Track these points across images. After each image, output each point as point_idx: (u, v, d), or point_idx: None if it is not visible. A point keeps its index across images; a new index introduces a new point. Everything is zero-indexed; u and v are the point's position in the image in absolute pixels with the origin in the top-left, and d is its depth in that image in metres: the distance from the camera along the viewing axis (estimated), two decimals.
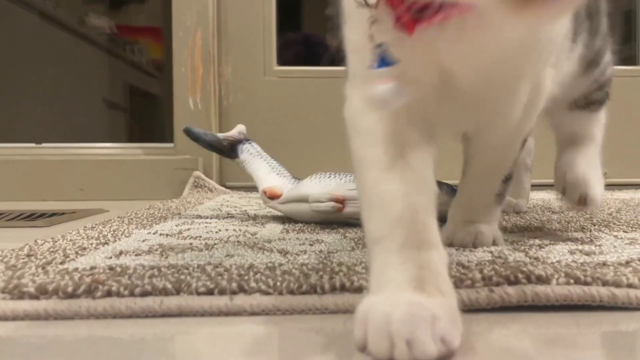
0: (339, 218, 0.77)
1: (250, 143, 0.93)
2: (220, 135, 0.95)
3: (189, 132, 0.94)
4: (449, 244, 0.60)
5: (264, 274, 0.48)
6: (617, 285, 0.44)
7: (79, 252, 0.60)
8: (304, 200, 0.79)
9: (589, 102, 0.73)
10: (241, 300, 0.43)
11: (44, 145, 1.61)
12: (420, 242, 0.38)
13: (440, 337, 0.33)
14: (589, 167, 0.71)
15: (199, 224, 0.84)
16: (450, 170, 0.70)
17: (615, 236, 0.67)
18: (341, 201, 0.77)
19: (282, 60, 1.62)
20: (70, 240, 0.68)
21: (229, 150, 0.93)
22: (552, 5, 0.30)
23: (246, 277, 0.47)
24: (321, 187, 0.79)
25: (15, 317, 0.43)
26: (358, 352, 0.36)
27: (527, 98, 0.50)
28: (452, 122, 0.51)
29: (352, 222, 0.76)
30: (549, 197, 1.25)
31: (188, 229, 0.77)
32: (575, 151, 0.73)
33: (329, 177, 0.81)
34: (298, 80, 1.59)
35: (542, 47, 0.47)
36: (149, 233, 0.74)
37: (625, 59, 1.77)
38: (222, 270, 0.49)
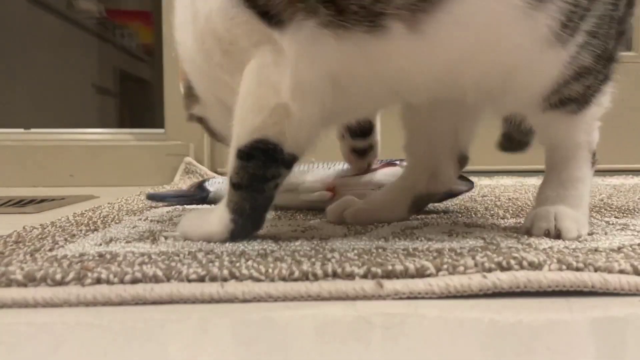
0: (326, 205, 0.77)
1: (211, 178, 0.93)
2: (183, 187, 0.95)
3: (153, 197, 0.91)
4: None
5: (255, 261, 0.47)
6: (609, 271, 0.44)
7: (68, 238, 0.59)
8: (293, 189, 0.79)
9: (563, 98, 0.57)
10: (232, 287, 0.43)
11: (32, 130, 1.59)
12: None
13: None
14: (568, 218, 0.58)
15: (191, 210, 0.83)
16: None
17: (607, 222, 0.67)
18: (332, 189, 0.76)
19: None
20: (60, 226, 0.67)
21: (200, 192, 0.91)
22: None
23: (237, 264, 0.46)
24: (310, 176, 0.79)
25: (2, 305, 0.42)
26: (351, 339, 0.36)
27: None
28: None
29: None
30: (540, 183, 1.25)
31: (179, 216, 0.76)
32: (555, 192, 0.61)
33: (317, 166, 0.81)
34: None
35: None
36: (140, 219, 0.73)
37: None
38: (214, 257, 0.49)
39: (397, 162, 0.78)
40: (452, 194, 0.78)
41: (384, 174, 0.76)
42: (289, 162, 0.54)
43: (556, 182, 0.62)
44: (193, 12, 0.55)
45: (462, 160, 0.71)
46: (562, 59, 0.54)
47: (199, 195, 0.91)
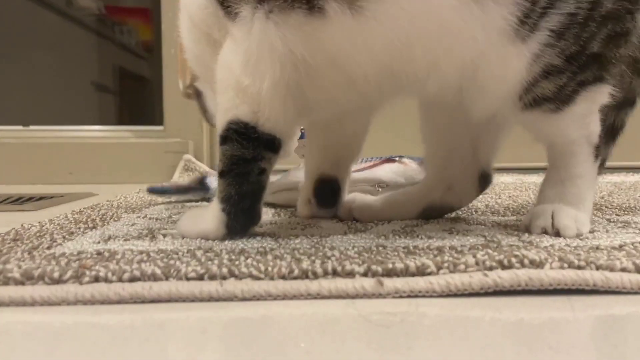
0: None
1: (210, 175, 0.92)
2: (184, 182, 0.94)
3: (153, 191, 0.91)
4: None
5: (255, 259, 0.47)
6: (611, 269, 0.44)
7: (67, 236, 0.59)
8: (293, 188, 0.79)
9: (537, 97, 0.55)
10: (232, 286, 0.43)
11: (31, 127, 1.59)
12: None
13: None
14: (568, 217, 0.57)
15: (190, 207, 0.83)
16: None
17: (608, 220, 0.67)
18: None
19: None
20: (58, 224, 0.67)
21: (200, 187, 0.91)
22: None
23: (237, 262, 0.46)
24: None
25: (0, 304, 0.42)
26: (351, 338, 0.36)
27: None
28: None
29: None
30: (541, 180, 1.25)
31: (178, 213, 0.76)
32: (554, 190, 0.60)
33: None
34: None
35: None
36: (139, 217, 0.73)
37: None
38: (213, 255, 0.49)
39: (397, 159, 0.77)
40: None
41: (383, 171, 0.75)
42: (269, 142, 0.54)
43: (556, 179, 0.60)
44: (183, 3, 0.60)
45: (484, 178, 0.68)
46: (524, 56, 0.52)
47: (200, 191, 0.91)
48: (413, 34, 0.51)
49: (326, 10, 0.50)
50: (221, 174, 0.55)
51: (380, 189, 0.74)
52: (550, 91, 0.55)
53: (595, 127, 0.59)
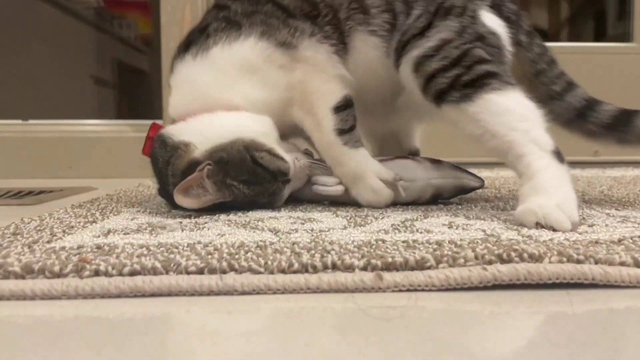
0: (341, 198, 0.76)
1: None
2: None
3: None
4: None
5: (255, 253, 0.47)
6: (610, 263, 0.44)
7: (67, 230, 0.59)
8: (306, 182, 0.78)
9: (436, 89, 0.67)
10: (232, 280, 0.43)
11: (30, 121, 1.59)
12: None
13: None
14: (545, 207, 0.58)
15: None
16: None
17: (608, 214, 0.67)
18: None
19: None
20: (58, 218, 0.67)
21: None
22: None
23: (237, 256, 0.46)
24: (324, 168, 0.78)
25: (0, 297, 0.42)
26: (351, 332, 0.36)
27: None
28: None
29: (351, 202, 0.76)
30: None
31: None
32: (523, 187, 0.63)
33: None
34: None
35: None
36: (138, 211, 0.73)
37: (619, 36, 1.76)
38: (212, 249, 0.49)
39: (409, 155, 0.78)
40: (464, 190, 0.77)
41: (396, 165, 0.75)
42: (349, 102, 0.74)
43: (522, 178, 0.64)
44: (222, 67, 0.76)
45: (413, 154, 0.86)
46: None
47: None
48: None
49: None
50: (347, 131, 0.72)
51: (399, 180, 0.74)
52: (449, 79, 0.68)
53: (523, 126, 0.65)
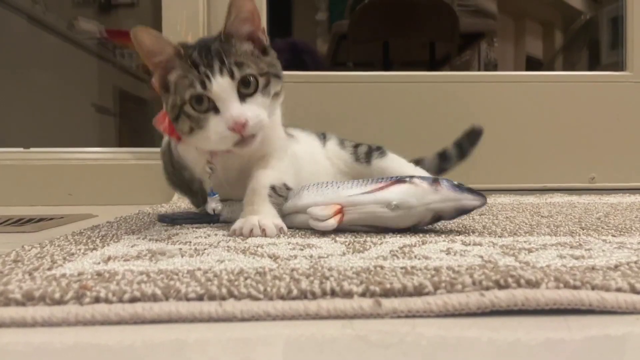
0: (340, 227, 0.76)
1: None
2: (198, 209, 0.95)
3: (163, 219, 0.92)
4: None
5: (254, 279, 0.47)
6: (606, 289, 0.44)
7: (67, 257, 0.59)
8: (302, 211, 0.79)
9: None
10: (231, 306, 0.43)
11: (32, 149, 1.60)
12: None
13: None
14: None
15: (189, 228, 0.84)
16: None
17: (604, 240, 0.67)
18: (340, 210, 0.76)
19: None
20: (58, 245, 0.67)
21: (211, 214, 0.91)
22: (247, 146, 0.78)
23: (236, 283, 0.46)
24: (319, 196, 0.78)
25: (1, 324, 0.42)
26: (350, 358, 0.36)
27: None
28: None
29: (352, 229, 0.76)
30: (538, 201, 1.26)
31: (177, 234, 0.76)
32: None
33: (325, 185, 0.80)
34: (288, 85, 1.59)
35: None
36: (138, 238, 0.73)
37: (613, 64, 1.79)
38: (212, 275, 0.49)
39: (407, 179, 0.76)
40: (465, 211, 0.76)
41: (393, 192, 0.75)
42: None
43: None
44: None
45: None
46: None
47: (210, 217, 0.91)
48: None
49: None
50: None
51: (391, 210, 0.74)
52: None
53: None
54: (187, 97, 0.77)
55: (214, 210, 0.87)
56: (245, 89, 0.77)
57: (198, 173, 0.89)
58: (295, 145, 1.00)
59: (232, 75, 0.76)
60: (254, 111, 0.77)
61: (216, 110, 0.77)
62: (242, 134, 0.76)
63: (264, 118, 0.78)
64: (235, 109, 0.76)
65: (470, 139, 1.24)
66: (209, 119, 0.77)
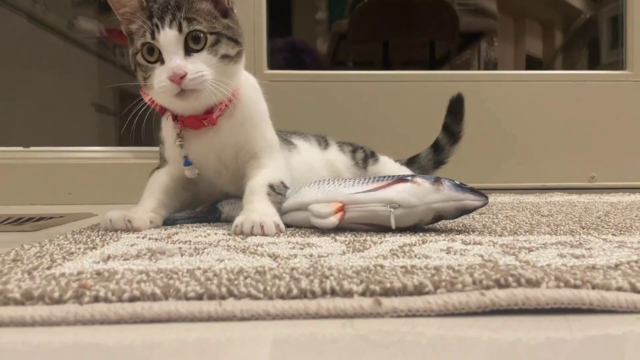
0: (340, 225, 0.76)
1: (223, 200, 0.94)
2: (197, 209, 0.95)
3: (165, 221, 0.91)
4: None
5: (253, 279, 0.47)
6: (607, 288, 0.44)
7: (67, 256, 0.59)
8: (304, 209, 0.79)
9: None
10: (230, 305, 0.43)
11: (32, 148, 1.60)
12: None
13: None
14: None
15: (188, 227, 0.84)
16: None
17: (605, 239, 0.67)
18: (341, 208, 0.75)
19: (272, 64, 1.62)
20: (58, 244, 0.67)
21: (212, 213, 0.92)
22: (186, 99, 0.81)
23: (236, 282, 0.46)
24: (321, 193, 0.78)
25: (0, 324, 0.42)
26: (349, 358, 0.36)
27: None
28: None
29: (353, 227, 0.76)
30: (538, 200, 1.26)
31: (177, 233, 0.76)
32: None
33: (327, 183, 0.80)
34: (288, 84, 1.59)
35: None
36: (138, 237, 0.73)
37: (613, 64, 1.79)
38: (212, 274, 0.49)
39: (409, 178, 0.75)
40: (466, 211, 0.76)
41: (395, 191, 0.74)
42: None
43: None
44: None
45: None
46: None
47: (211, 217, 0.91)
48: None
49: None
50: None
51: (392, 210, 0.73)
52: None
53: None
54: (139, 45, 0.81)
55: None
56: (195, 44, 0.80)
57: (170, 148, 0.91)
58: (296, 155, 1.02)
59: (180, 29, 0.79)
60: (197, 66, 0.79)
61: (163, 62, 0.80)
62: (181, 86, 0.78)
63: (206, 74, 0.79)
64: (177, 60, 0.78)
65: (454, 115, 1.24)
66: (155, 69, 0.80)
